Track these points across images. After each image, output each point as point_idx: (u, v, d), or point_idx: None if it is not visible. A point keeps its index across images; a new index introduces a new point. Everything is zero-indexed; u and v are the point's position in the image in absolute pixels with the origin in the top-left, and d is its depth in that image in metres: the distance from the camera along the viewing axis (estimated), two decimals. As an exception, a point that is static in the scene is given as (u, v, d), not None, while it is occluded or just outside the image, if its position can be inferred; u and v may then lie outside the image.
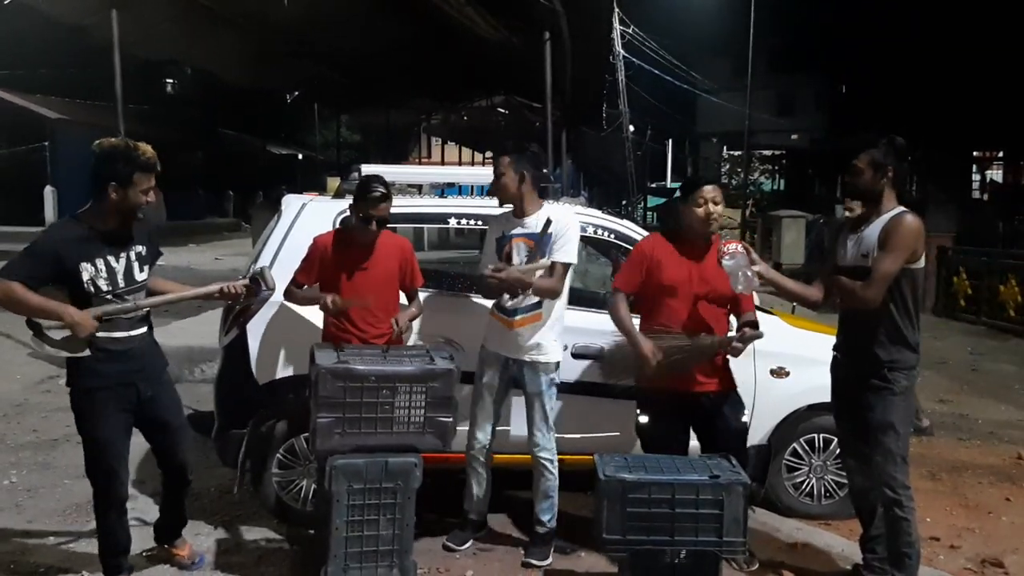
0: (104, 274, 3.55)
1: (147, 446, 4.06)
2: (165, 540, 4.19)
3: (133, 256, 3.66)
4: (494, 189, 4.34)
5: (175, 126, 28.90)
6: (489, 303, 4.42)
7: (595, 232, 4.94)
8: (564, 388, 4.48)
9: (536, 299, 4.20)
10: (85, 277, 3.51)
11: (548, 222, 4.14)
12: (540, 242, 4.17)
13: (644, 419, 4.11)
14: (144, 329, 3.75)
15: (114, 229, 3.59)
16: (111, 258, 3.58)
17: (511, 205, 4.32)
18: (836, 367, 4.11)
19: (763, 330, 4.00)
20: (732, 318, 4.14)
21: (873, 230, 3.80)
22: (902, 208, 3.81)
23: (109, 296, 3.57)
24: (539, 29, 8.23)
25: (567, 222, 4.23)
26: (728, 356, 4.02)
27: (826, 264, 4.13)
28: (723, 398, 4.04)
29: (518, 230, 4.27)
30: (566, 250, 4.18)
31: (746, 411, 4.24)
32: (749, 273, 3.69)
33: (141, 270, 3.70)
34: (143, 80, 23.23)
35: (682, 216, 4.06)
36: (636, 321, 4.11)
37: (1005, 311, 12.35)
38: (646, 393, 4.11)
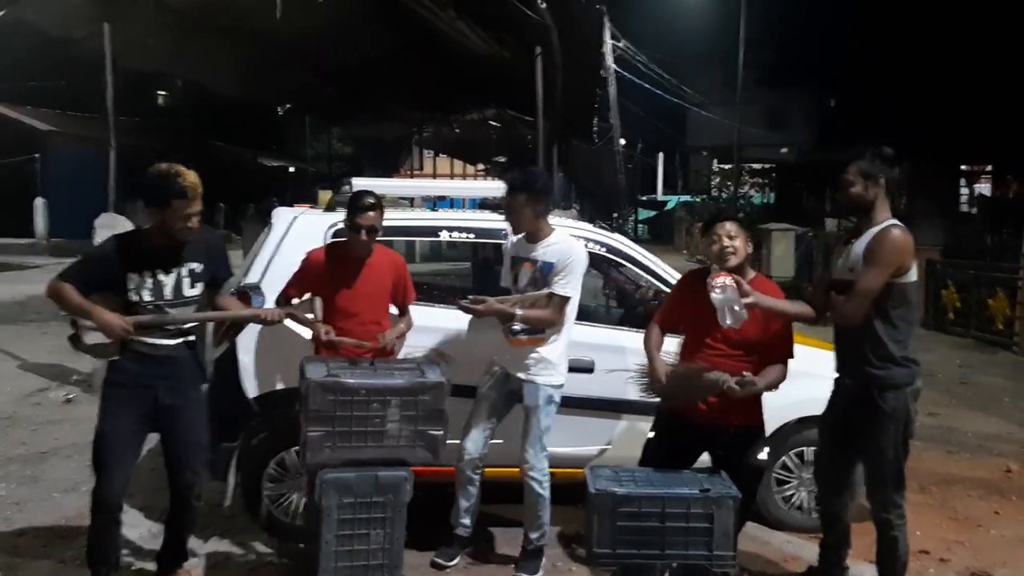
0: (149, 286, 3.68)
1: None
2: (165, 570, 4.07)
3: (185, 272, 3.75)
4: (508, 220, 4.34)
5: (166, 137, 28.83)
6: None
7: (586, 245, 4.94)
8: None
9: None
10: (131, 287, 3.65)
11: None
12: (543, 271, 4.20)
13: (651, 435, 4.11)
14: (180, 340, 3.80)
15: (166, 245, 3.69)
16: (160, 272, 3.70)
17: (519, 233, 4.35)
18: (835, 383, 4.05)
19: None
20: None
21: (861, 243, 3.76)
22: (891, 221, 3.75)
23: (151, 308, 3.67)
24: (530, 43, 8.26)
25: (573, 255, 4.22)
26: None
27: (821, 279, 4.10)
28: (741, 434, 3.95)
29: (529, 255, 4.30)
30: (564, 283, 4.17)
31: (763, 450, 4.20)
32: (737, 308, 3.61)
33: (193, 286, 3.78)
34: (134, 92, 23.21)
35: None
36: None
37: (994, 324, 12.39)
38: (664, 413, 4.11)
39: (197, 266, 3.79)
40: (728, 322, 3.66)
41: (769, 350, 3.92)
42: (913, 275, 3.78)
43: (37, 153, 25.48)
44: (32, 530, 4.80)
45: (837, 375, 4.01)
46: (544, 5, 7.69)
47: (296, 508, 4.60)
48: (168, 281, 3.71)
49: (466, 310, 4.15)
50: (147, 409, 3.73)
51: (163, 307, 3.70)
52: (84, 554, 3.88)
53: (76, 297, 3.56)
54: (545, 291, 4.18)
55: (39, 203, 24.33)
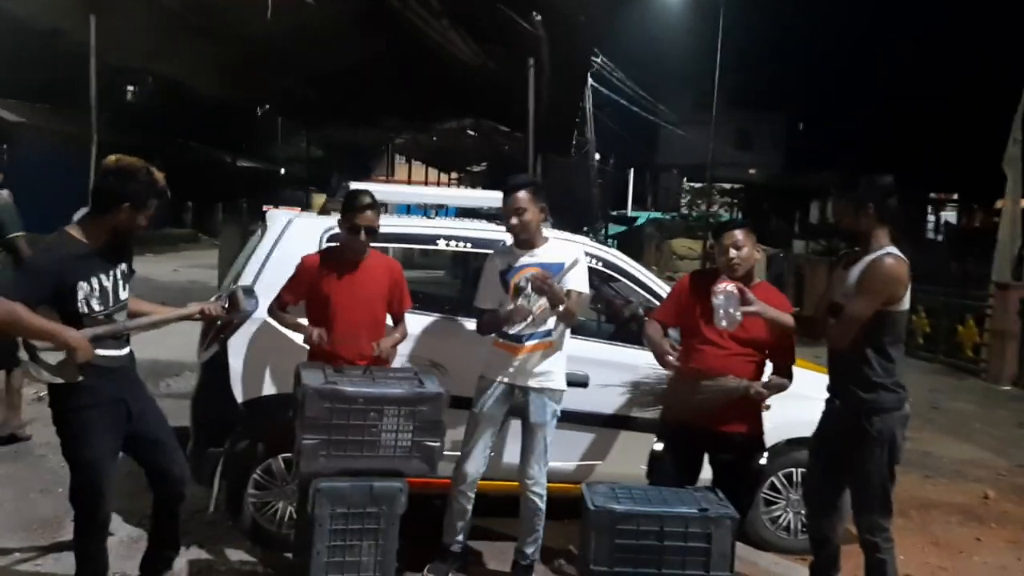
0: (97, 294, 3.43)
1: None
2: (154, 573, 3.95)
3: (119, 274, 3.56)
4: (515, 226, 4.20)
5: (133, 133, 28.47)
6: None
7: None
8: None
9: (549, 326, 4.17)
10: (80, 296, 3.37)
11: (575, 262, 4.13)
12: (552, 273, 4.11)
13: (659, 447, 4.10)
14: (128, 349, 3.67)
15: (107, 246, 3.48)
16: (103, 276, 3.46)
17: (523, 238, 4.24)
18: (826, 404, 4.09)
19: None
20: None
21: (856, 270, 3.79)
22: (887, 249, 3.76)
23: (101, 317, 3.45)
24: (521, 55, 8.25)
25: (578, 254, 4.22)
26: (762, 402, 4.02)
27: (821, 300, 4.13)
28: (745, 441, 4.02)
29: (527, 260, 4.21)
30: (580, 279, 4.16)
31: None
32: (732, 310, 3.71)
33: (124, 288, 3.60)
34: (105, 87, 22.83)
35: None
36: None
37: (962, 351, 12.57)
38: (668, 423, 4.13)
39: (126, 266, 3.61)
40: (722, 324, 3.76)
41: (773, 352, 4.07)
42: (905, 303, 3.81)
43: (4, 144, 24.98)
44: (7, 532, 4.64)
45: (828, 396, 4.04)
46: (539, 18, 7.69)
47: (282, 516, 4.51)
48: (108, 286, 3.47)
49: (538, 288, 3.99)
50: (122, 423, 3.58)
51: (112, 315, 3.49)
52: (62, 556, 3.77)
53: (36, 319, 3.22)
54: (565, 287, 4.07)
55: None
